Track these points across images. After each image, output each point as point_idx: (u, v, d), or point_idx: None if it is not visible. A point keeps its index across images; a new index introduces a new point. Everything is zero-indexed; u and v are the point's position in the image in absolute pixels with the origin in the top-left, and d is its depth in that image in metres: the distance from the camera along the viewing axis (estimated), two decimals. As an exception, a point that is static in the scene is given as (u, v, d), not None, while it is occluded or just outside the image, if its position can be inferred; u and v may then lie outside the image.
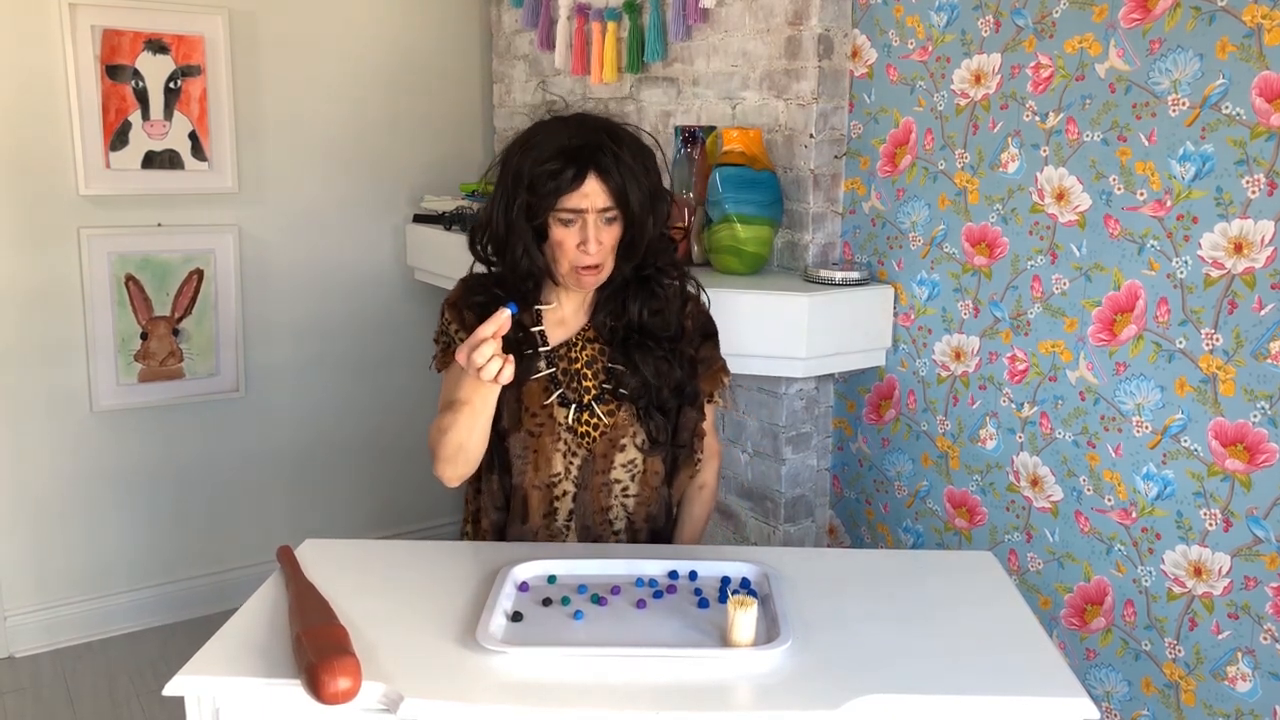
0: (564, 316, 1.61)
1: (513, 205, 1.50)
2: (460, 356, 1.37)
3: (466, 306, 1.59)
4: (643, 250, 1.55)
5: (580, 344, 1.60)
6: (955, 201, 2.03)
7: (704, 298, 1.69)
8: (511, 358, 1.36)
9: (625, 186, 1.48)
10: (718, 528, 2.46)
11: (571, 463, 1.58)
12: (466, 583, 1.38)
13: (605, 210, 1.49)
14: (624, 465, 1.61)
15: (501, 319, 1.34)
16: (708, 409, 1.67)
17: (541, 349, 1.58)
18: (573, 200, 1.47)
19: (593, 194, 1.47)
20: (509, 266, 1.55)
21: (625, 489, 1.62)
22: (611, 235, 1.51)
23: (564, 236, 1.50)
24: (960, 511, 2.10)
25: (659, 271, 1.59)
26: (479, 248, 1.60)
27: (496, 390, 1.44)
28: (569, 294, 1.60)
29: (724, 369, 1.68)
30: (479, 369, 1.34)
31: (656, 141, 1.61)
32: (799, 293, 2.04)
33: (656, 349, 1.58)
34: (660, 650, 1.20)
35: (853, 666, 1.18)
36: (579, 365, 1.59)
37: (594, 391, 1.58)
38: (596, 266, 1.52)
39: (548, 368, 1.57)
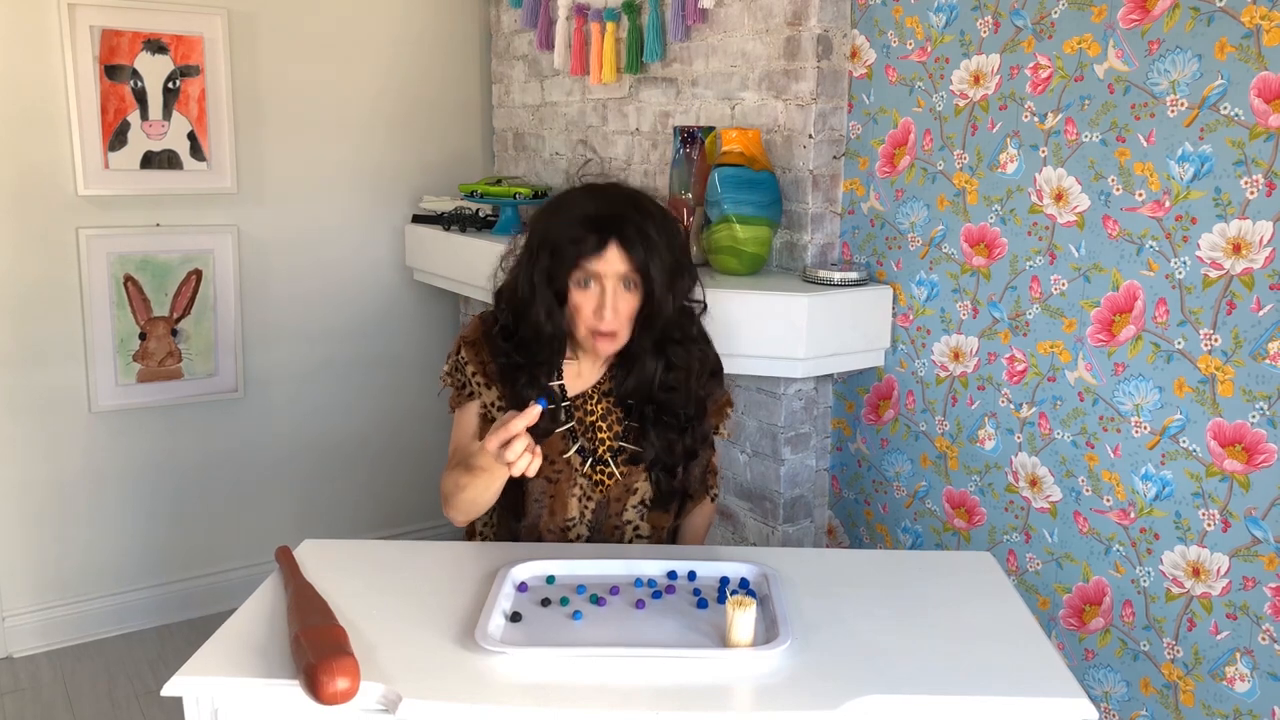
0: (580, 369, 1.63)
1: (534, 268, 1.51)
2: (490, 445, 1.35)
3: (490, 355, 1.59)
4: (661, 324, 1.55)
5: (596, 397, 1.62)
6: (954, 202, 2.03)
7: (728, 387, 1.70)
8: (539, 449, 1.36)
9: (648, 259, 1.49)
10: (717, 528, 2.46)
11: (586, 507, 1.61)
12: (466, 583, 1.38)
13: (624, 277, 1.49)
14: (635, 507, 1.64)
15: (532, 415, 1.34)
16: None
17: (562, 404, 1.60)
18: (591, 263, 1.48)
19: (613, 260, 1.48)
20: (531, 329, 1.55)
21: (637, 530, 1.65)
22: (629, 304, 1.51)
23: (582, 300, 1.50)
24: (959, 512, 2.10)
25: (677, 344, 1.59)
26: (501, 312, 1.61)
27: None
28: (586, 350, 1.60)
29: (728, 401, 1.72)
30: (510, 463, 1.34)
31: (679, 217, 1.62)
32: (798, 293, 2.04)
33: (672, 424, 1.60)
34: (659, 651, 1.20)
35: (852, 666, 1.18)
36: (595, 418, 1.61)
37: (609, 444, 1.61)
38: (613, 334, 1.52)
39: (566, 420, 1.59)
